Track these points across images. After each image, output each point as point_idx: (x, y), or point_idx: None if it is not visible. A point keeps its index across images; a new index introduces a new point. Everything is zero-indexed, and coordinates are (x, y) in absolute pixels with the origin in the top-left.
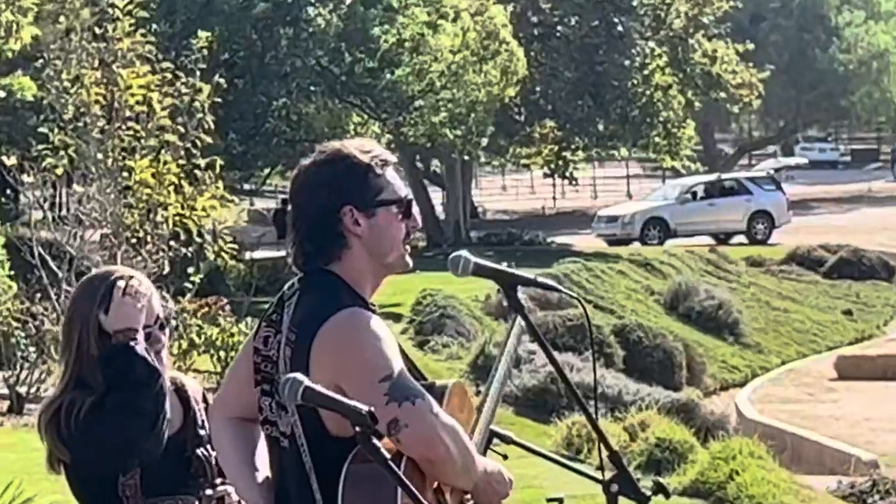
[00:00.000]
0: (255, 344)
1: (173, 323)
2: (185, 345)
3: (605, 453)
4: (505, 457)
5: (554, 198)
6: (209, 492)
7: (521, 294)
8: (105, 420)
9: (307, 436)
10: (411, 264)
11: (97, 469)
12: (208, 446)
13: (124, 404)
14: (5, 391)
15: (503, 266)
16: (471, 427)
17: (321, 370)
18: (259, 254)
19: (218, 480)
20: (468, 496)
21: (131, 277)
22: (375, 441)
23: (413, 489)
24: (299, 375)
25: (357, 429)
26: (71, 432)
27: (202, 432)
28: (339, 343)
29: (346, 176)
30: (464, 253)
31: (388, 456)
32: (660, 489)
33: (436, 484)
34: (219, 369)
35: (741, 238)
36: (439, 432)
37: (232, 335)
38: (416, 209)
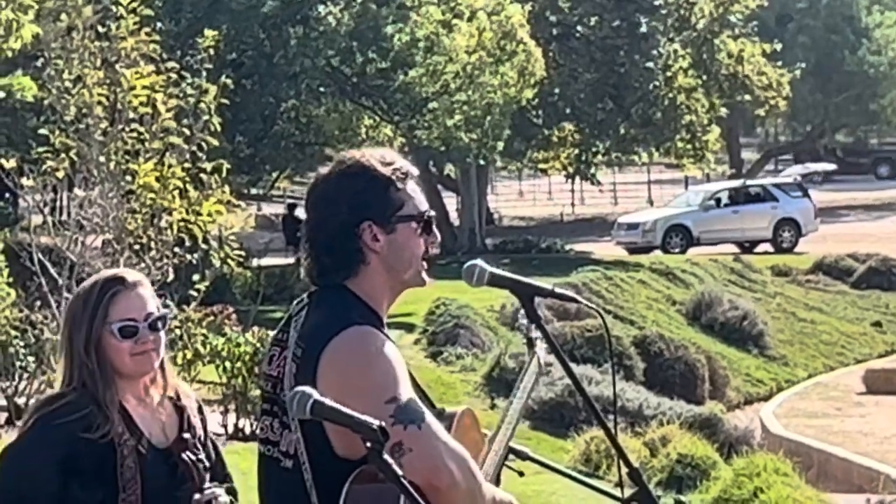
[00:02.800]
0: (262, 368)
1: (169, 326)
2: (189, 355)
3: (624, 470)
4: (521, 473)
5: (573, 204)
6: (196, 496)
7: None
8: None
9: (311, 455)
10: (427, 281)
11: None
12: (195, 449)
13: None
14: (3, 402)
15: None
16: (482, 455)
17: (327, 386)
18: (266, 260)
19: (207, 484)
20: None
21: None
22: (387, 457)
23: None
24: (308, 389)
25: (368, 445)
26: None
27: (186, 436)
28: (346, 360)
29: (366, 191)
30: (479, 262)
31: (399, 473)
32: None
33: None
34: (224, 380)
35: (767, 246)
36: (444, 458)
37: (238, 345)
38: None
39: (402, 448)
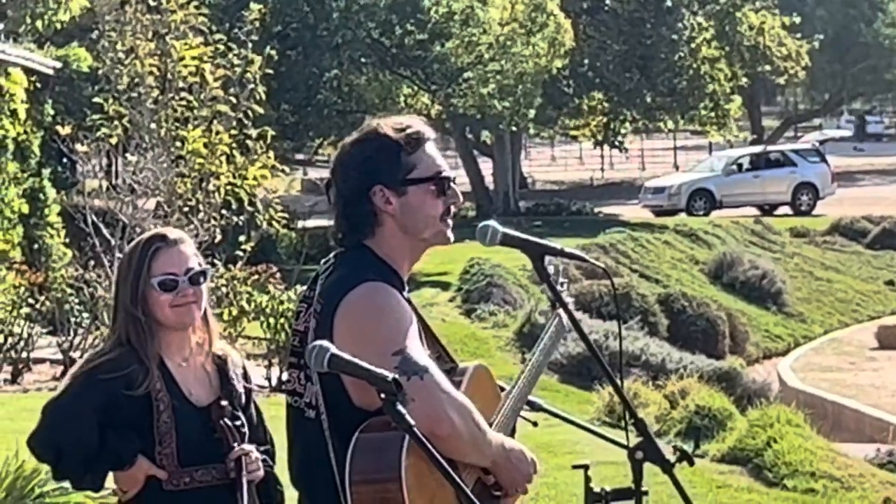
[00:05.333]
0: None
1: (210, 281)
2: (235, 311)
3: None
4: (535, 423)
5: (602, 169)
6: (230, 455)
7: (556, 264)
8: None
9: (329, 406)
10: (452, 238)
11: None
12: (234, 413)
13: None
14: (59, 356)
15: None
16: (495, 409)
17: (341, 339)
18: (312, 222)
19: (236, 444)
20: (490, 476)
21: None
22: (400, 407)
23: (436, 454)
24: (325, 343)
25: (382, 396)
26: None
27: (223, 402)
28: (358, 314)
29: (376, 156)
30: (491, 223)
31: (412, 423)
32: (684, 456)
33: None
34: (268, 336)
35: (786, 209)
36: (446, 408)
37: (281, 302)
38: (454, 185)
39: (406, 399)
